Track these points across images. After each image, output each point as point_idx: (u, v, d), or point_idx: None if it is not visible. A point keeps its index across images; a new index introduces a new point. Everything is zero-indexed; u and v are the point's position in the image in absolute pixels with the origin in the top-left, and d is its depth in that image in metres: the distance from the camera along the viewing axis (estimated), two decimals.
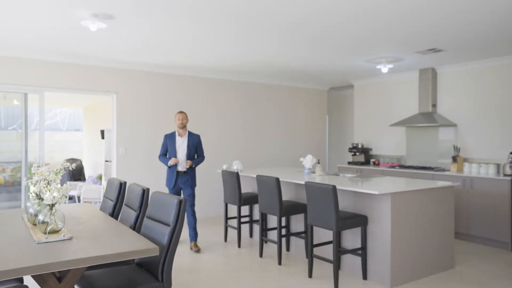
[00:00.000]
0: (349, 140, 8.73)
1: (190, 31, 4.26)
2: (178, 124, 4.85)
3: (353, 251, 3.86)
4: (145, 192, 3.12)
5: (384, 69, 5.87)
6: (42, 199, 2.64)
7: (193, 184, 4.88)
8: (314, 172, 5.22)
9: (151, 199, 2.90)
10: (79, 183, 8.46)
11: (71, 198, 9.04)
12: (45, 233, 2.43)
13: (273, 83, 7.69)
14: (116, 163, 6.05)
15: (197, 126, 6.73)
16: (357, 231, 3.98)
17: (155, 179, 6.31)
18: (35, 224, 2.71)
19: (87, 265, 2.10)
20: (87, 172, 10.34)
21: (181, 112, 4.91)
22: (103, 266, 2.73)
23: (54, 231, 2.49)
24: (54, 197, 2.44)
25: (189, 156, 4.83)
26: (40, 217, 2.50)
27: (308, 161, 5.12)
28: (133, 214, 3.14)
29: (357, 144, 7.43)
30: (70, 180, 9.09)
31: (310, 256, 3.94)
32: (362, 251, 3.87)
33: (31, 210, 2.75)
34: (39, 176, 2.46)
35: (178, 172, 4.82)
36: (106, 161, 7.72)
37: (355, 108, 7.84)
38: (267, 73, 6.88)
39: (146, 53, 5.31)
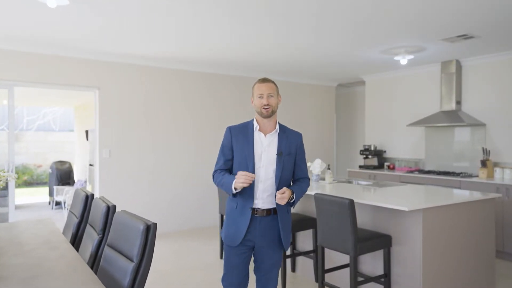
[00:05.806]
0: (359, 142, 8.01)
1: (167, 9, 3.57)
2: (259, 106, 2.32)
3: (375, 279, 3.14)
4: (110, 210, 2.42)
5: (403, 60, 5.14)
6: None
7: (287, 241, 2.38)
8: (323, 179, 4.52)
9: (114, 220, 2.19)
10: (66, 188, 7.77)
11: (58, 203, 8.35)
12: None
13: (275, 78, 6.96)
14: (98, 167, 5.35)
15: (195, 125, 6.05)
16: (379, 253, 3.26)
17: (146, 188, 5.61)
18: None
19: None
20: (77, 176, 9.66)
21: (265, 80, 2.35)
22: None
23: None
24: None
25: (284, 177, 2.34)
26: None
27: (316, 166, 4.41)
28: (95, 238, 2.44)
29: (369, 146, 6.70)
30: (58, 185, 8.37)
31: (321, 283, 3.22)
32: (385, 279, 3.15)
33: None
34: None
35: (254, 211, 2.32)
36: (90, 165, 7.02)
37: (366, 106, 7.11)
38: (268, 67, 6.17)
39: (127, 40, 4.58)
